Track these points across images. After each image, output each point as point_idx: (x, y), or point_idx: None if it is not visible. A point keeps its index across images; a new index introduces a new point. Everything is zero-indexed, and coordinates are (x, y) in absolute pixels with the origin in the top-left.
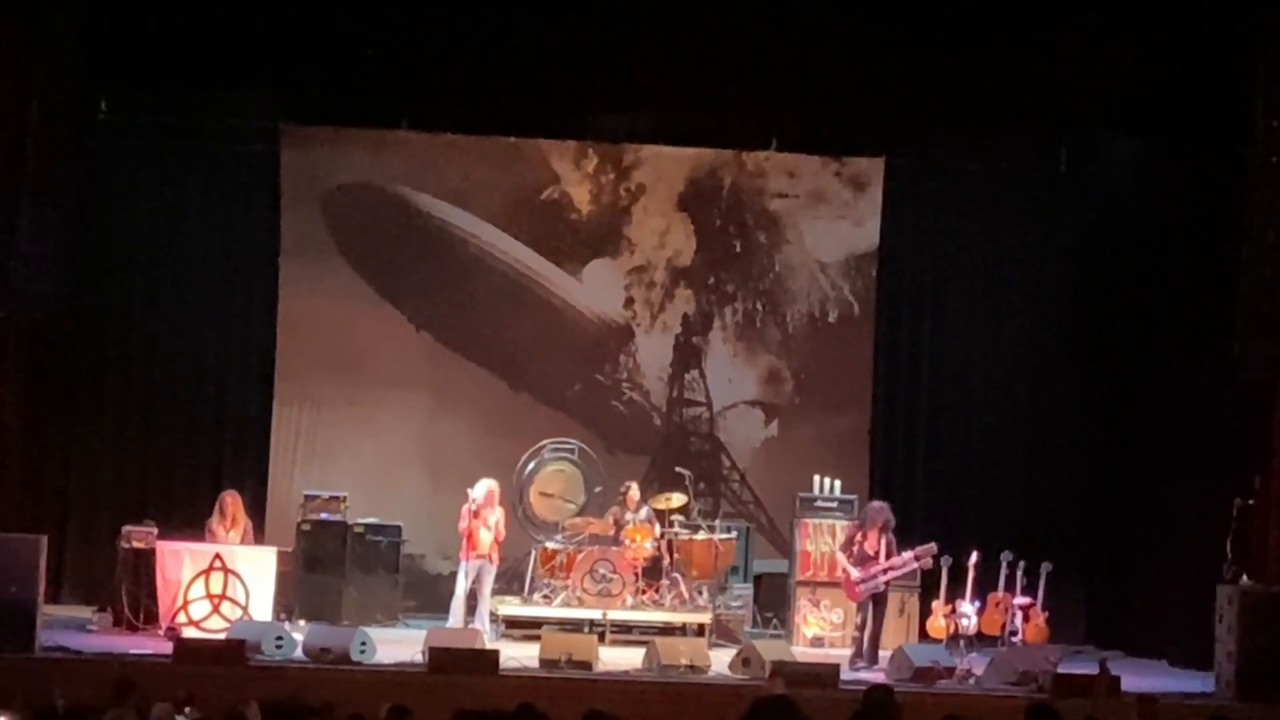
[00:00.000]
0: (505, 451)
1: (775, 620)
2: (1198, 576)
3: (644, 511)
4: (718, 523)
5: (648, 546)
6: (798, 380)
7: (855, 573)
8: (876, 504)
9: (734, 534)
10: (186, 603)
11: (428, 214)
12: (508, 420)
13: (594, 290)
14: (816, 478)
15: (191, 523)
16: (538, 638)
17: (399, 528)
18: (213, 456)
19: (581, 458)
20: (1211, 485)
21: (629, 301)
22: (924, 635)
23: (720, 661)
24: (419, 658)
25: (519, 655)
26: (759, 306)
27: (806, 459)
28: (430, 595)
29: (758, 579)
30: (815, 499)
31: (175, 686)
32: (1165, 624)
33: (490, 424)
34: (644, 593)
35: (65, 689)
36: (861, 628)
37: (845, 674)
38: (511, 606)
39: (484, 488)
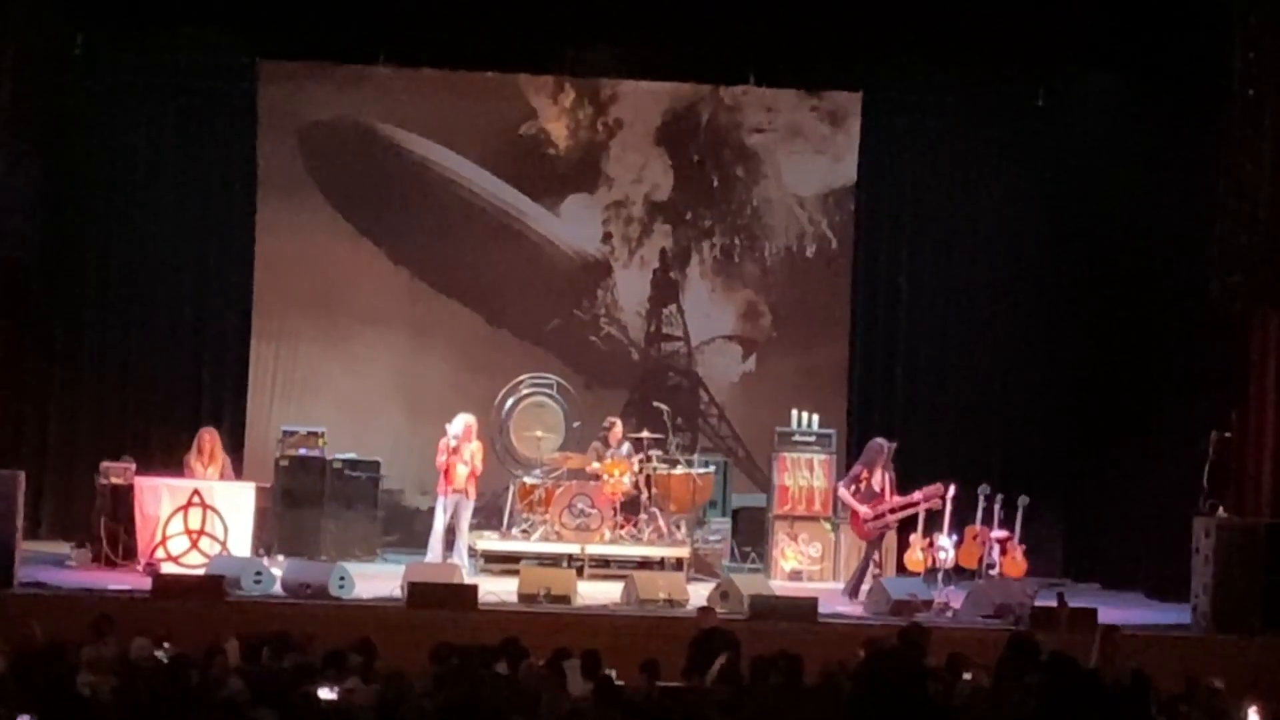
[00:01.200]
0: (483, 387)
1: (753, 554)
2: (1174, 509)
3: (625, 447)
4: (696, 457)
5: (626, 481)
6: (775, 315)
7: (865, 510)
8: (879, 441)
9: (712, 468)
10: (165, 538)
11: (405, 150)
12: (486, 355)
13: (572, 225)
14: (794, 412)
15: (170, 459)
16: (516, 572)
17: (377, 463)
18: (191, 393)
19: (560, 393)
20: (1188, 419)
21: (607, 237)
22: (901, 569)
23: (698, 596)
24: (397, 593)
25: (497, 590)
26: (737, 241)
27: (784, 393)
28: (409, 530)
29: (736, 513)
30: (793, 433)
31: (154, 622)
32: (1142, 557)
33: (468, 359)
34: (622, 527)
35: (44, 624)
36: (865, 564)
37: (823, 607)
38: (490, 541)
39: (461, 423)
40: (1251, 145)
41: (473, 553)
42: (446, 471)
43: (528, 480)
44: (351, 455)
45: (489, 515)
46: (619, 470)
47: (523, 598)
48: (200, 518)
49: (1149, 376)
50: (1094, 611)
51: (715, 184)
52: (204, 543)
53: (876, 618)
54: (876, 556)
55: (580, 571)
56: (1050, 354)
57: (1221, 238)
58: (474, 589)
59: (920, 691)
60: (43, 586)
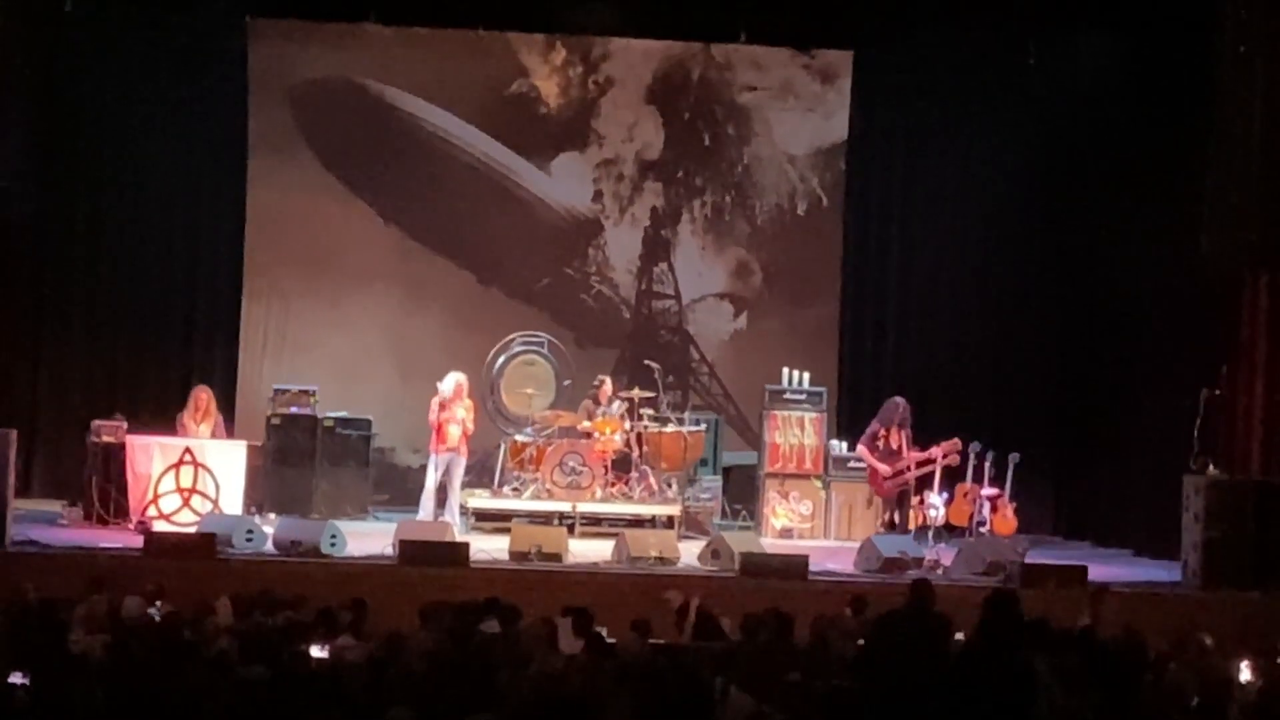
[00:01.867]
0: (474, 345)
1: (744, 512)
2: (1165, 467)
3: (616, 405)
4: (686, 415)
5: (617, 440)
6: (766, 273)
7: (884, 468)
8: (897, 399)
9: (703, 426)
10: (157, 496)
11: (396, 108)
12: (477, 314)
13: (563, 184)
14: (785, 370)
15: (161, 417)
16: (508, 530)
17: (369, 421)
18: (182, 351)
19: (551, 351)
20: (1179, 376)
21: (598, 195)
22: (892, 526)
23: (689, 553)
24: (389, 550)
25: (489, 548)
26: (728, 199)
27: (775, 351)
28: (400, 488)
29: (727, 471)
30: (784, 391)
31: (145, 580)
32: (1133, 514)
33: (459, 318)
34: (613, 485)
35: (36, 582)
36: (890, 524)
37: (814, 565)
38: (481, 499)
39: (452, 381)
40: (1243, 103)
41: (464, 510)
42: (439, 429)
43: (519, 438)
44: (343, 413)
45: (480, 473)
46: (610, 428)
47: (514, 555)
48: (192, 476)
49: (1140, 334)
50: (1084, 569)
51: (706, 142)
52: (196, 501)
53: (867, 575)
54: (893, 516)
55: (571, 529)
56: (1041, 311)
57: (1213, 196)
58: (465, 547)
59: (942, 645)
60: (34, 545)
